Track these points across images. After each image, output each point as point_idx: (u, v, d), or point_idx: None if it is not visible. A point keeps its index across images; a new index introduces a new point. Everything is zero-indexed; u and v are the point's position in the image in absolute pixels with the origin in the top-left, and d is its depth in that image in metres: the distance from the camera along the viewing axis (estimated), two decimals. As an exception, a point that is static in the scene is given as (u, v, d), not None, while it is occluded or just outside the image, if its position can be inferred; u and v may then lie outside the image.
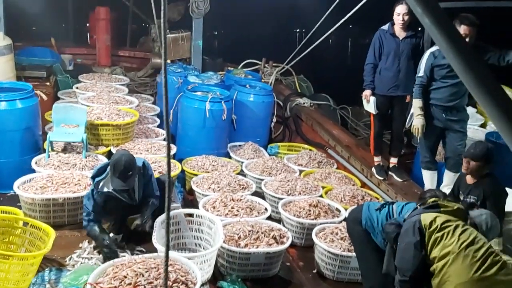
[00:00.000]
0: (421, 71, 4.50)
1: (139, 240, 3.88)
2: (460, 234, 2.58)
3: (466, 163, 3.66)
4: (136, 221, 3.77)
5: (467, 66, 0.94)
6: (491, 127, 6.69)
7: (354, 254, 3.56)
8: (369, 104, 5.13)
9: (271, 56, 8.46)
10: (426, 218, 2.69)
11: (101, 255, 3.59)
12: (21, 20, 7.84)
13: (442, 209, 2.72)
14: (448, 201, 2.84)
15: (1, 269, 2.99)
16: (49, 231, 3.46)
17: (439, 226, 2.64)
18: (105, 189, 3.63)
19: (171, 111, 6.31)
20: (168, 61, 7.78)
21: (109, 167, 3.64)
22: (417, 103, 4.51)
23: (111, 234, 3.77)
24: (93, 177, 3.74)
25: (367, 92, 5.11)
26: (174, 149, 5.62)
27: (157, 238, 3.51)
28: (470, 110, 7.24)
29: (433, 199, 2.85)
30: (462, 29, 4.10)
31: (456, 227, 2.62)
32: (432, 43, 4.83)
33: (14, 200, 4.38)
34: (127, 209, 3.82)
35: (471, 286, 2.46)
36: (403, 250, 2.73)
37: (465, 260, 2.49)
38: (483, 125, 6.84)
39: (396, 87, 5.02)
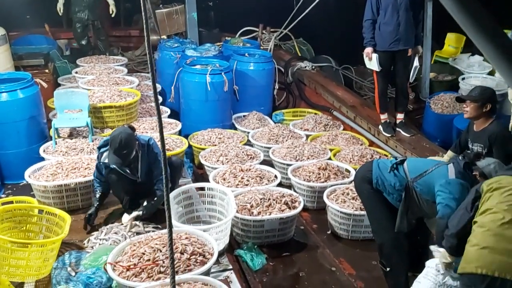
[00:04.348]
0: None
1: (153, 217, 3.93)
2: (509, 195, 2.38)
3: (465, 106, 3.63)
4: (136, 212, 3.75)
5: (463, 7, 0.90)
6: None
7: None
8: (372, 62, 5.04)
9: (268, 22, 8.27)
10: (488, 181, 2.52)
11: (118, 235, 3.64)
12: (13, 9, 7.72)
13: None
14: None
15: (22, 257, 3.05)
16: (64, 216, 3.52)
17: (493, 187, 2.47)
18: (107, 160, 3.76)
19: (172, 87, 6.27)
20: (164, 36, 7.68)
21: None
22: None
23: (125, 214, 3.82)
24: (99, 147, 3.88)
25: (368, 50, 5.02)
26: (179, 125, 5.61)
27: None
28: (476, 58, 7.10)
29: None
30: None
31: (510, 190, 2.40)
32: None
33: (27, 189, 4.45)
34: (136, 187, 3.86)
35: (490, 236, 2.35)
36: (457, 211, 2.64)
37: (499, 215, 2.35)
38: (491, 73, 6.70)
39: (397, 41, 4.92)
